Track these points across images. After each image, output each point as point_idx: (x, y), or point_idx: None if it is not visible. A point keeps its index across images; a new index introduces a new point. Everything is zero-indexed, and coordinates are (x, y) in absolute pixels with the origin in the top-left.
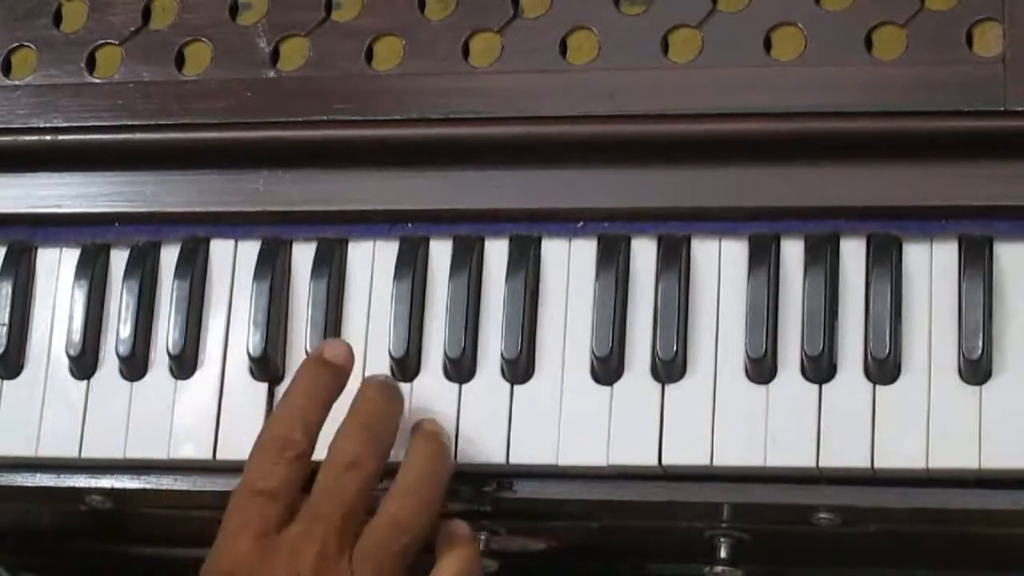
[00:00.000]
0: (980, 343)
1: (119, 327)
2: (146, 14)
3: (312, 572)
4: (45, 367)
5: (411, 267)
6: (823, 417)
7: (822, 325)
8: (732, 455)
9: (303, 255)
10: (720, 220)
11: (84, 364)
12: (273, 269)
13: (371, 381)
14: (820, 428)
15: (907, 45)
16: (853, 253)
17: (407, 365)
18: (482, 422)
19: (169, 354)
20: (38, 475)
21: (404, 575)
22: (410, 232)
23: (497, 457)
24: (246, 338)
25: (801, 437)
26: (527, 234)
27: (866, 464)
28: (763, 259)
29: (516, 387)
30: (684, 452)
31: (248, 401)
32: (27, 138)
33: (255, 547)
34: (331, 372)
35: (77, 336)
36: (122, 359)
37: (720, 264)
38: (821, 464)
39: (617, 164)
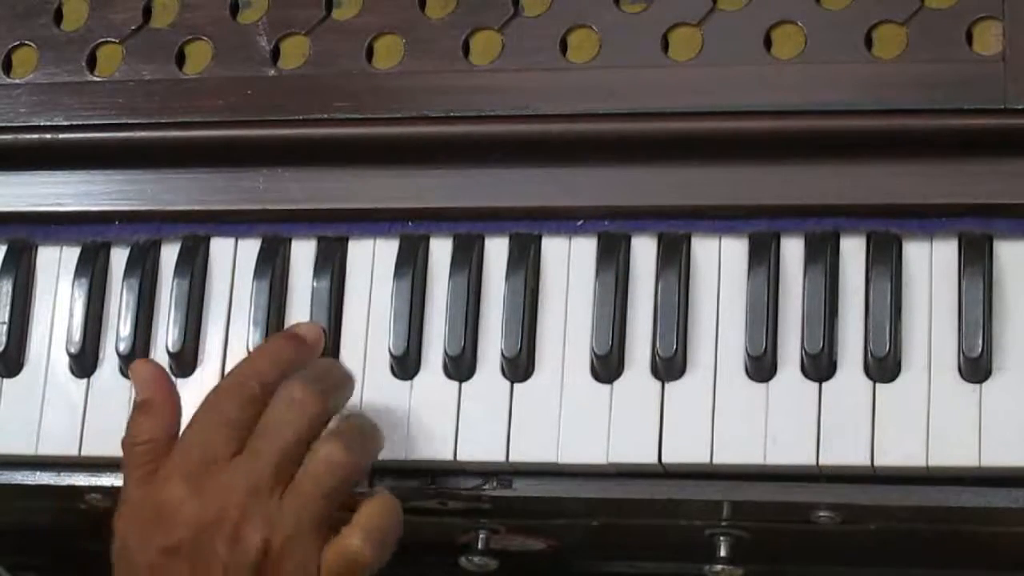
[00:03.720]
0: (980, 341)
1: (119, 325)
2: (147, 12)
3: (238, 508)
4: (45, 365)
5: (411, 265)
6: (823, 415)
7: (822, 323)
8: (732, 453)
9: (303, 253)
10: (720, 218)
11: (84, 362)
12: (273, 267)
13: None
14: (820, 426)
15: (907, 43)
16: (853, 251)
17: (407, 363)
18: (482, 420)
19: (169, 352)
20: (38, 473)
21: (326, 522)
22: (410, 230)
23: (497, 455)
24: (246, 336)
25: (801, 435)
26: (527, 232)
27: (866, 462)
28: (763, 257)
29: (516, 385)
30: (684, 450)
31: None
32: (28, 136)
33: (189, 475)
34: (292, 342)
35: (77, 334)
36: (122, 357)
37: (720, 262)
38: (821, 462)
39: (617, 162)
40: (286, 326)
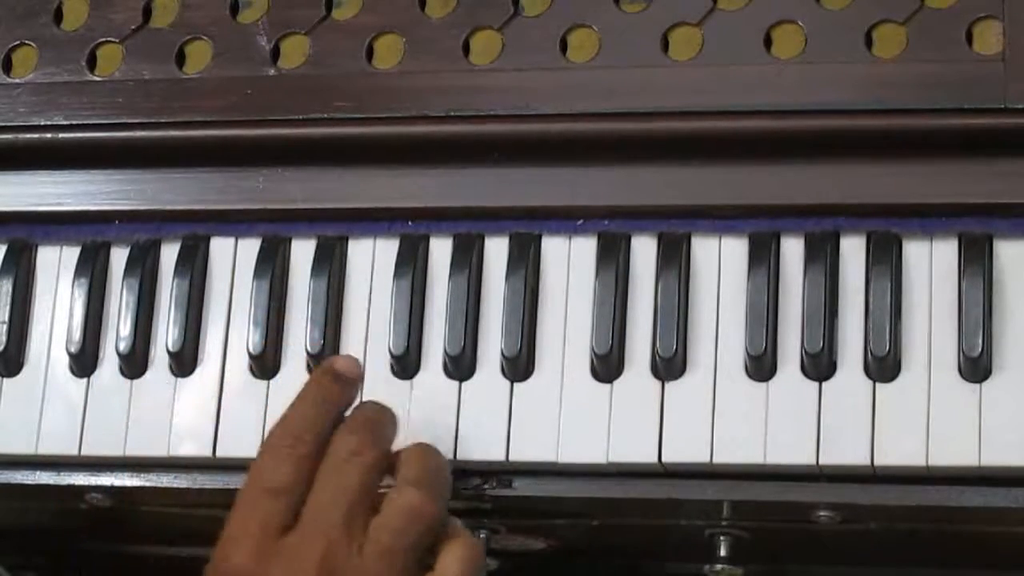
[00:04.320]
0: (980, 341)
1: (119, 325)
2: (147, 12)
3: (314, 572)
4: (45, 365)
5: (411, 265)
6: (823, 415)
7: (822, 323)
8: (732, 453)
9: (303, 253)
10: (720, 218)
11: (84, 362)
12: (273, 267)
13: (366, 401)
14: (820, 426)
15: (907, 43)
16: (853, 251)
17: (407, 363)
18: (482, 420)
19: (169, 352)
20: (38, 473)
21: (416, 570)
22: (410, 230)
23: (497, 454)
24: (246, 336)
25: (801, 435)
26: (527, 232)
27: (866, 462)
28: (763, 257)
29: (516, 385)
30: (684, 450)
31: (248, 399)
32: (27, 136)
33: (255, 552)
34: (340, 384)
35: (77, 334)
36: (122, 357)
37: (720, 262)
38: (821, 462)
39: (617, 162)
40: (286, 326)
